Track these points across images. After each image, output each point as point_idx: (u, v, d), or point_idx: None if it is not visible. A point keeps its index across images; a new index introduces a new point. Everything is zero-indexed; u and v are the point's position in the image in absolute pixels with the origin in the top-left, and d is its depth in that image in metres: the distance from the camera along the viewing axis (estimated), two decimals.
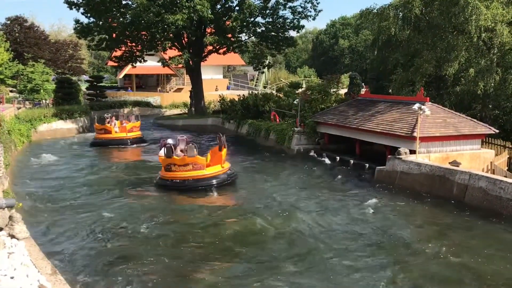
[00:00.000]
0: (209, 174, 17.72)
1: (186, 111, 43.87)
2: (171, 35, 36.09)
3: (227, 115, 34.74)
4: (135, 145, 28.81)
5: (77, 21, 37.42)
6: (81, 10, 36.62)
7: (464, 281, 10.18)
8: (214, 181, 17.71)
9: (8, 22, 54.52)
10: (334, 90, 28.83)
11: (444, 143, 19.61)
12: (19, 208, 11.15)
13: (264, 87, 60.23)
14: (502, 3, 23.82)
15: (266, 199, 16.58)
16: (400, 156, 18.53)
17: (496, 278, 10.23)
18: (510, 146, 21.29)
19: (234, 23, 34.59)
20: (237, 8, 36.25)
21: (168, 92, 55.38)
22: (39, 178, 19.94)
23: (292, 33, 39.38)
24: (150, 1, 32.34)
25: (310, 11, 36.75)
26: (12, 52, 47.72)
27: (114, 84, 62.42)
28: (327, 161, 22.74)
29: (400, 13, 26.24)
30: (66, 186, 18.50)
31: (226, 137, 18.74)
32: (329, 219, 14.36)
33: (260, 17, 36.87)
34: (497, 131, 20.85)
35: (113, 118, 29.86)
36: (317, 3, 36.60)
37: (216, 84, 55.80)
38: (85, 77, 62.32)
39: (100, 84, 49.74)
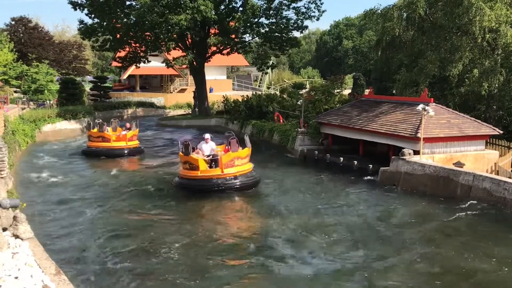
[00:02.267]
0: (200, 176, 16.78)
1: (190, 112, 43.93)
2: (175, 35, 36.13)
3: (231, 115, 34.76)
4: (136, 156, 25.39)
5: (81, 22, 37.56)
6: (85, 11, 36.74)
7: (469, 281, 10.18)
8: (205, 184, 16.68)
9: (13, 22, 54.70)
10: (338, 90, 28.81)
11: (448, 144, 19.57)
12: (23, 208, 11.17)
13: (268, 88, 60.21)
14: (506, 4, 23.77)
15: (268, 200, 16.56)
16: (404, 157, 18.50)
17: (500, 279, 10.22)
18: None
19: (237, 24, 34.64)
20: (240, 8, 36.28)
21: (171, 92, 55.42)
22: (44, 178, 19.96)
23: (296, 34, 39.36)
24: (154, 1, 32.38)
25: (314, 12, 36.74)
26: (17, 53, 47.88)
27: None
28: (330, 161, 22.71)
29: (404, 13, 26.20)
30: (71, 187, 18.51)
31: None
32: (332, 220, 14.35)
33: (263, 17, 36.89)
34: (501, 132, 20.81)
35: (105, 124, 25.68)
36: (321, 4, 36.58)
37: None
38: (89, 77, 62.41)
39: (104, 84, 49.85)
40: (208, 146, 17.46)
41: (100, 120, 26.41)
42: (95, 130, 25.45)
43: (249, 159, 17.72)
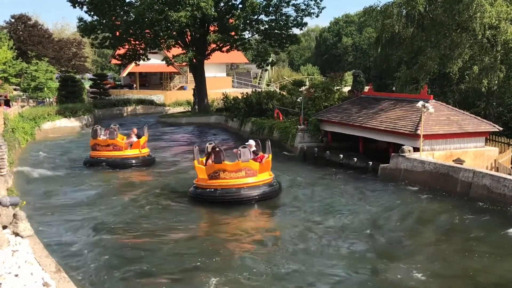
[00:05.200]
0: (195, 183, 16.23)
1: (190, 109, 43.96)
2: (175, 33, 36.11)
3: (230, 113, 34.75)
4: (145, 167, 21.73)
5: (80, 19, 37.51)
6: (85, 8, 36.74)
7: (467, 281, 10.19)
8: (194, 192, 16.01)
9: (13, 20, 54.68)
10: (338, 87, 28.79)
11: (448, 141, 19.57)
12: (23, 206, 11.16)
13: (268, 85, 60.21)
14: (506, 1, 23.74)
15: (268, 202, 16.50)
16: (404, 154, 18.50)
17: (497, 277, 10.23)
18: None
19: (237, 21, 34.61)
20: (240, 6, 36.25)
21: (171, 90, 55.44)
22: (44, 176, 19.91)
23: (296, 31, 39.46)
24: None
25: (313, 9, 36.78)
26: (16, 51, 47.82)
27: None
28: (330, 159, 22.71)
29: (404, 10, 26.20)
30: (72, 185, 18.45)
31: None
32: (332, 219, 14.36)
33: (263, 14, 36.90)
34: (501, 128, 20.81)
35: (116, 131, 21.75)
36: (320, 1, 36.60)
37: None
38: (88, 75, 62.42)
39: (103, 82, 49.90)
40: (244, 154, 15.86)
41: (98, 126, 22.98)
42: (101, 138, 21.72)
43: (257, 173, 15.92)
